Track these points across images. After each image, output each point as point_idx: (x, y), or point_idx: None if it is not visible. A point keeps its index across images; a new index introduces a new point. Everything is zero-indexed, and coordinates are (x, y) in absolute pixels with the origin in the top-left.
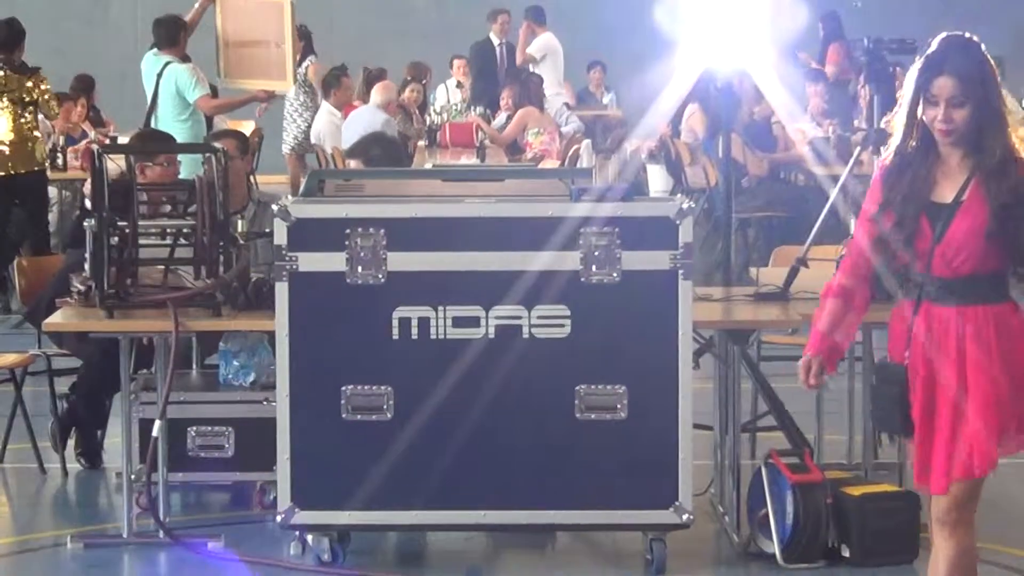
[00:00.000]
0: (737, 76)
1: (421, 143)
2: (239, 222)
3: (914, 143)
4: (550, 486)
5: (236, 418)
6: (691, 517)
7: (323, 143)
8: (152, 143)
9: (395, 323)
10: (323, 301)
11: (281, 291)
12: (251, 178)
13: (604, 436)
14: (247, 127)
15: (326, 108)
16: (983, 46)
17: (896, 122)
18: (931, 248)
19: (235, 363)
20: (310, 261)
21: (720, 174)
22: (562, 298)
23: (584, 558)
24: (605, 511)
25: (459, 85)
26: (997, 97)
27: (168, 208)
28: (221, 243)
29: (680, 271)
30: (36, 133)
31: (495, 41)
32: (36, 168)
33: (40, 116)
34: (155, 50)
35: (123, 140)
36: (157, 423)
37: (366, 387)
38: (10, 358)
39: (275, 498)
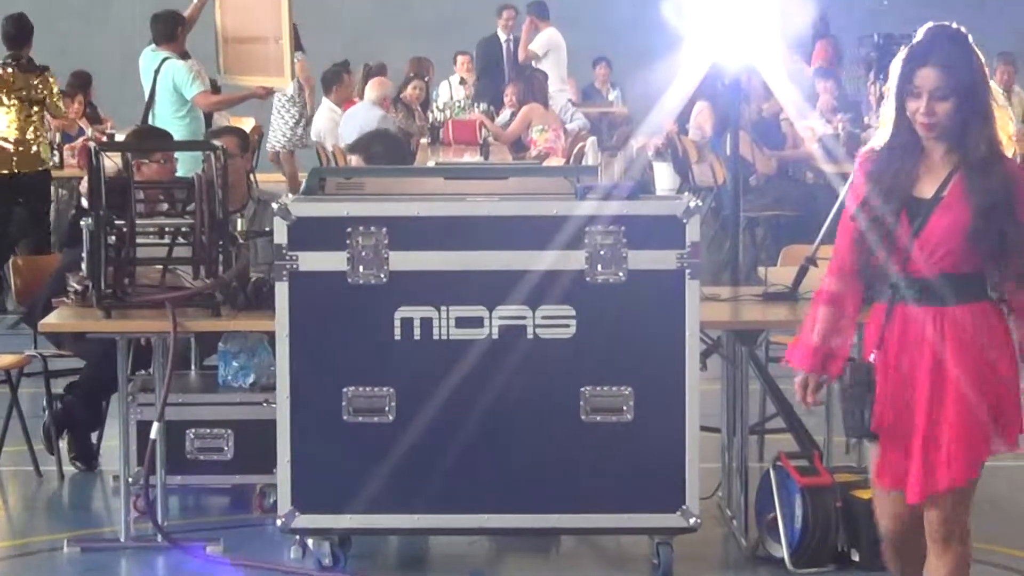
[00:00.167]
0: (745, 72)
1: (424, 140)
2: (239, 221)
3: (898, 137)
4: (554, 489)
5: (235, 420)
6: (698, 521)
7: (323, 140)
8: (149, 140)
9: (397, 323)
10: (324, 301)
11: (281, 291)
12: (251, 176)
13: (610, 438)
14: (247, 124)
15: (327, 105)
16: (971, 37)
17: (884, 114)
18: (908, 245)
19: (234, 364)
20: (311, 260)
21: (728, 172)
22: (567, 298)
23: (589, 562)
24: (611, 515)
25: (462, 82)
26: (984, 91)
27: (165, 206)
28: (220, 242)
29: (687, 270)
30: (42, 132)
31: (502, 37)
32: (40, 168)
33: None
34: (153, 46)
35: (121, 137)
36: (155, 425)
37: (368, 388)
38: (6, 359)
39: (275, 501)
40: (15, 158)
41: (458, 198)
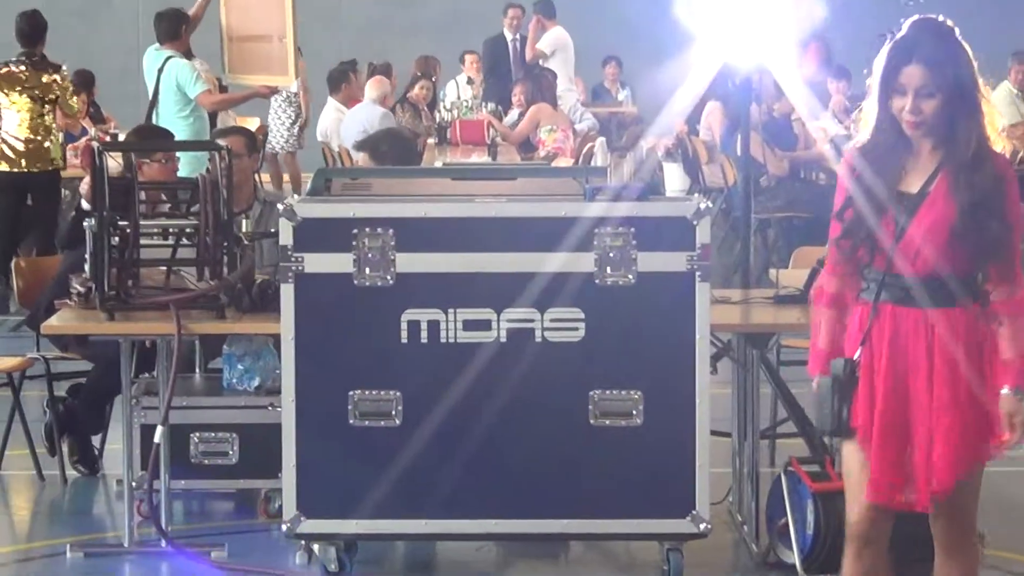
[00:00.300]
0: (756, 72)
1: (431, 141)
2: (244, 222)
3: (883, 132)
4: (563, 494)
5: (240, 424)
6: (708, 526)
7: (329, 140)
8: (151, 139)
9: (404, 326)
10: (330, 303)
11: (287, 293)
12: (256, 177)
13: (619, 443)
14: (252, 124)
15: (333, 104)
16: (958, 31)
17: (866, 110)
18: (893, 243)
19: (239, 367)
20: (317, 262)
21: (739, 173)
22: (576, 300)
23: (598, 568)
24: (620, 520)
25: (470, 81)
26: (972, 86)
27: (167, 206)
28: (225, 243)
29: (697, 273)
30: (53, 131)
31: (508, 36)
32: (50, 167)
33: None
34: (156, 45)
35: (123, 137)
36: (159, 428)
37: (374, 392)
38: (8, 362)
39: (280, 506)
40: (25, 156)
41: (466, 199)
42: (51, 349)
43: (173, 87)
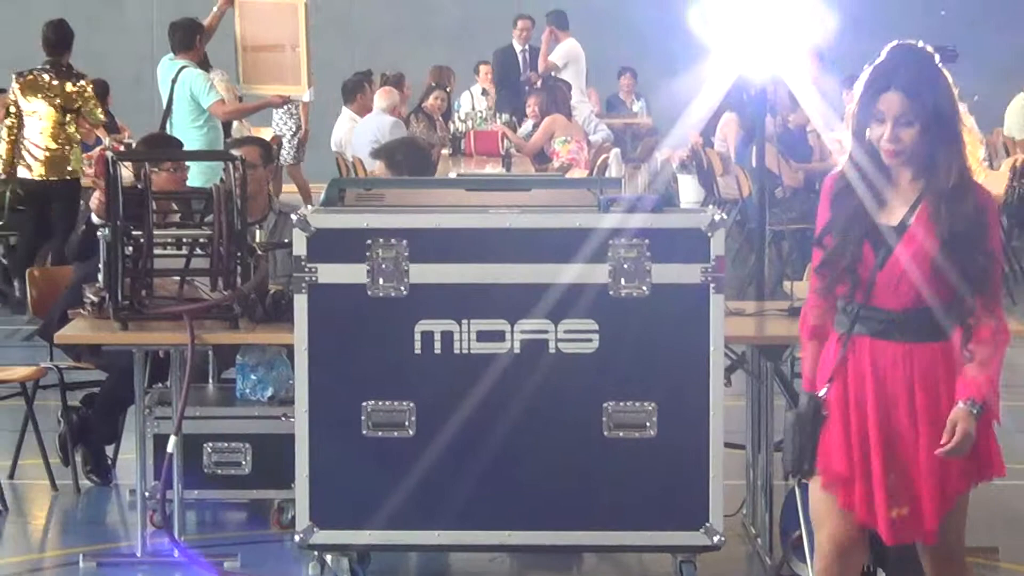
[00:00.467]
0: (771, 84)
1: (445, 151)
2: (258, 232)
3: (861, 161)
4: (576, 506)
5: (253, 434)
6: (722, 539)
7: (344, 150)
8: (163, 149)
9: (417, 337)
10: (343, 314)
11: (300, 303)
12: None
13: (632, 454)
14: (265, 134)
15: (347, 114)
16: (937, 57)
17: (844, 137)
18: (872, 275)
19: (252, 377)
20: (330, 273)
21: (754, 184)
22: (590, 312)
23: None
24: (633, 532)
25: (484, 92)
26: (952, 115)
27: (178, 216)
28: (239, 254)
29: (712, 285)
30: (75, 140)
31: (517, 47)
32: (68, 176)
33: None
34: (171, 55)
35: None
36: (172, 438)
37: (387, 403)
38: (21, 371)
39: (293, 517)
40: (45, 165)
41: (480, 210)
42: (65, 359)
43: (187, 97)
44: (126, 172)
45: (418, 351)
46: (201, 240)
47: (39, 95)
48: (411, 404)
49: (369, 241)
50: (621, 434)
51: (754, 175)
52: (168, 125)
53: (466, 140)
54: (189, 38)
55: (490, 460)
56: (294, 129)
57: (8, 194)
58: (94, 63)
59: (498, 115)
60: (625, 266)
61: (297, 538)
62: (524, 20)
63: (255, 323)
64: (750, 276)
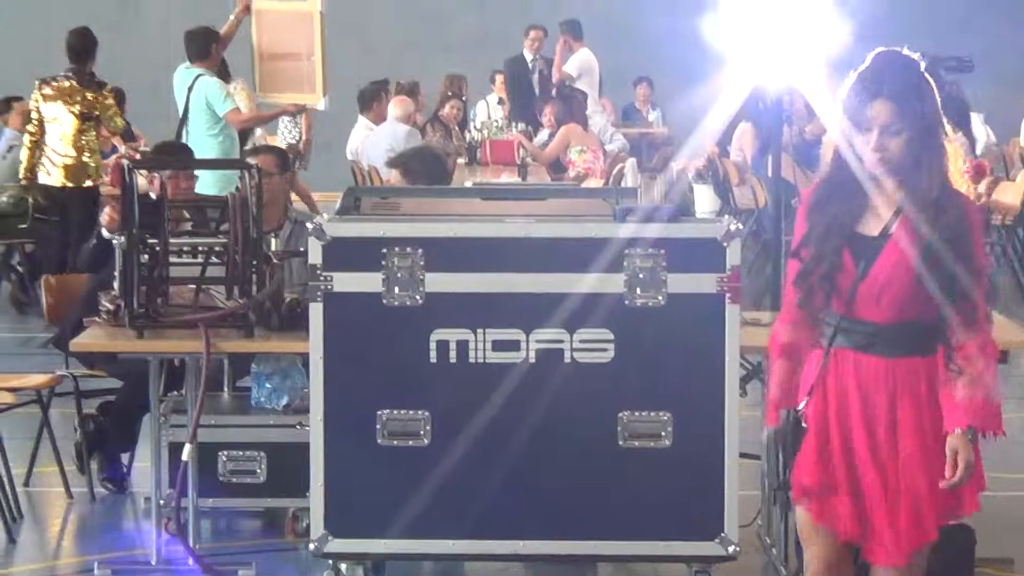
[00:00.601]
0: (787, 94)
1: (461, 160)
2: (273, 241)
3: (844, 170)
4: (591, 515)
5: (268, 442)
6: (737, 549)
7: (359, 159)
8: (174, 156)
9: (433, 346)
10: (358, 323)
11: (315, 312)
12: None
13: (648, 464)
14: (279, 143)
15: (363, 123)
16: (923, 64)
17: (826, 145)
18: (853, 286)
19: (267, 386)
20: (346, 281)
21: (769, 194)
22: (605, 322)
23: None
24: (648, 542)
25: (501, 101)
26: (938, 124)
27: (189, 224)
28: (254, 262)
29: (727, 295)
30: (95, 148)
31: (528, 57)
32: (86, 184)
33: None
34: (187, 63)
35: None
36: (187, 447)
37: (403, 411)
38: (36, 379)
39: (308, 525)
40: (65, 172)
41: (495, 219)
42: (80, 367)
43: (203, 105)
44: (142, 180)
45: (433, 360)
46: (217, 248)
47: (60, 102)
48: (426, 413)
49: (385, 250)
50: (636, 444)
51: (770, 185)
52: (184, 133)
53: (482, 149)
54: (205, 46)
55: (505, 469)
56: (296, 138)
57: (30, 201)
58: (111, 71)
59: (514, 124)
60: (641, 276)
61: (312, 547)
62: (536, 30)
63: (270, 331)
64: (766, 286)
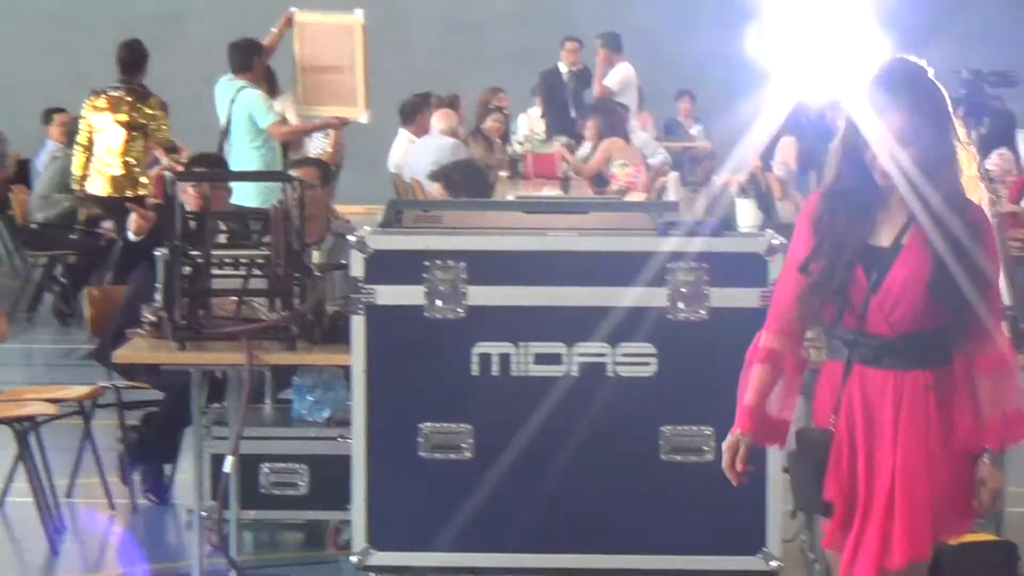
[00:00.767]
0: (830, 108)
1: (503, 173)
2: (315, 253)
3: (851, 179)
4: (633, 529)
5: (310, 455)
6: (779, 564)
7: (401, 171)
8: (211, 168)
9: (475, 359)
10: (401, 335)
11: (357, 324)
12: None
13: (690, 478)
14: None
15: (404, 136)
16: (932, 72)
17: (831, 155)
18: (865, 299)
19: (309, 398)
20: (388, 294)
21: None
22: (648, 335)
23: None
24: (690, 556)
25: (543, 115)
26: (949, 131)
27: (226, 236)
28: (296, 274)
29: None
30: (142, 160)
31: (563, 69)
32: (130, 193)
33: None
34: (229, 75)
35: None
36: (229, 459)
37: (445, 424)
38: (79, 390)
39: (350, 538)
40: (114, 183)
41: (538, 232)
42: (120, 378)
43: (245, 117)
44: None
45: (476, 373)
46: (259, 260)
47: (110, 113)
48: (468, 426)
49: (427, 263)
50: (678, 458)
51: None
52: (226, 146)
53: (524, 162)
54: (247, 58)
55: (546, 483)
56: (321, 152)
57: (80, 211)
58: (153, 83)
59: (555, 137)
60: (683, 290)
61: (354, 559)
62: (572, 42)
63: (312, 344)
64: None
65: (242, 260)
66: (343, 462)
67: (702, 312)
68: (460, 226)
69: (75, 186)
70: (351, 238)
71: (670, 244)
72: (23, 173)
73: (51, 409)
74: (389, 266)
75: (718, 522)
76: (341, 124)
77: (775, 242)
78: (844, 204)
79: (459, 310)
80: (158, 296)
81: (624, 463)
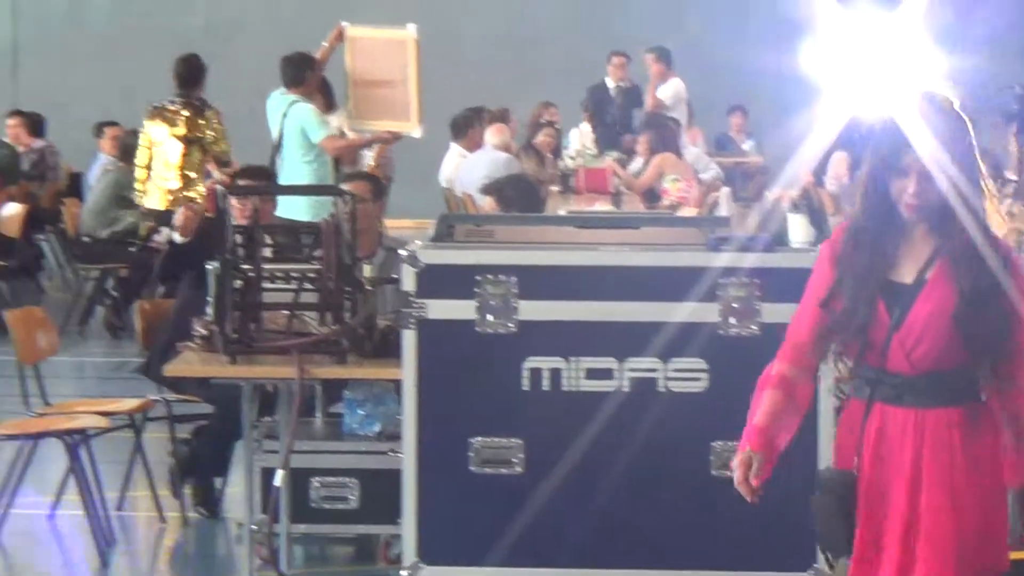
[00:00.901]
0: (882, 124)
1: (554, 188)
2: (366, 267)
3: (875, 214)
4: (684, 545)
5: (361, 469)
6: None
7: (452, 186)
8: (260, 182)
9: (526, 373)
10: (452, 350)
11: (408, 339)
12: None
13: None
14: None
15: (456, 150)
16: (957, 104)
17: (856, 187)
18: (888, 336)
19: (360, 412)
20: (439, 308)
21: None
22: (699, 351)
23: None
24: (741, 572)
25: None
26: (974, 166)
27: (272, 250)
28: (347, 288)
29: None
30: (199, 173)
31: (610, 84)
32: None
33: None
34: (282, 89)
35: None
36: (279, 472)
37: (495, 439)
38: (129, 403)
39: (400, 553)
40: (170, 196)
41: (589, 247)
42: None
43: (297, 132)
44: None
45: (526, 388)
46: (310, 274)
47: (167, 126)
48: (519, 441)
49: (478, 277)
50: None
51: None
52: (278, 160)
53: (576, 177)
54: (300, 72)
55: (597, 498)
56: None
57: (144, 226)
58: (207, 97)
59: (607, 152)
60: (735, 305)
61: (404, 574)
62: (619, 56)
63: (363, 358)
64: None
65: (293, 274)
66: (394, 476)
67: (754, 327)
68: (512, 241)
69: (138, 200)
70: (403, 252)
71: (722, 259)
72: (75, 186)
73: (102, 422)
74: (441, 280)
75: (769, 538)
76: (394, 139)
77: None
78: (867, 238)
79: (510, 325)
80: (209, 309)
81: (675, 479)
